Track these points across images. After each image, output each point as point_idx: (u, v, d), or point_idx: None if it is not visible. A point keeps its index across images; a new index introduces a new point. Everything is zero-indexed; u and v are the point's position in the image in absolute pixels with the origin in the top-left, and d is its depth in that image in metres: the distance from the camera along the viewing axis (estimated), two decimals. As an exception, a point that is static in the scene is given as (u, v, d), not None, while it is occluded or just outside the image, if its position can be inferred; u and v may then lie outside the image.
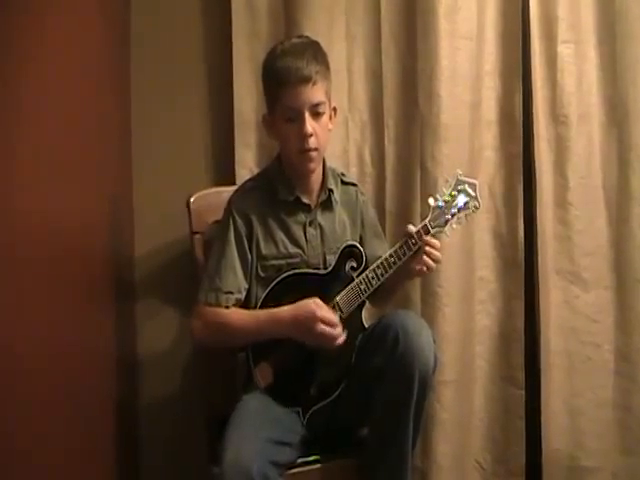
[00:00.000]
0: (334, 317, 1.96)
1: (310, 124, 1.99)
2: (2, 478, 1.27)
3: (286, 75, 1.98)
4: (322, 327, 1.93)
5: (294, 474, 1.95)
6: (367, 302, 2.11)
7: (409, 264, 2.03)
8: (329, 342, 1.96)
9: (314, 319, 1.93)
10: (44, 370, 1.51)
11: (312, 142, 2.01)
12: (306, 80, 1.98)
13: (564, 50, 2.53)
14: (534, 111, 2.53)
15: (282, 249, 2.06)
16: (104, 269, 2.18)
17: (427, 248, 2.01)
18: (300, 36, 2.21)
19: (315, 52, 2.04)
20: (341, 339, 1.97)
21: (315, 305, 1.95)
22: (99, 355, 2.08)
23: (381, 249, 2.14)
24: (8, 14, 1.33)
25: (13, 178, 1.35)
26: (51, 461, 1.53)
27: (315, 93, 2.00)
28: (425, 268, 2.02)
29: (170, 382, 2.52)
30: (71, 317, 1.74)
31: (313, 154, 2.03)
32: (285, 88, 1.99)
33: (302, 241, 2.07)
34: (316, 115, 2.01)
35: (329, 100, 2.06)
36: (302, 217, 2.09)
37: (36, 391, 1.46)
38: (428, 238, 2.02)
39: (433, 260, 2.02)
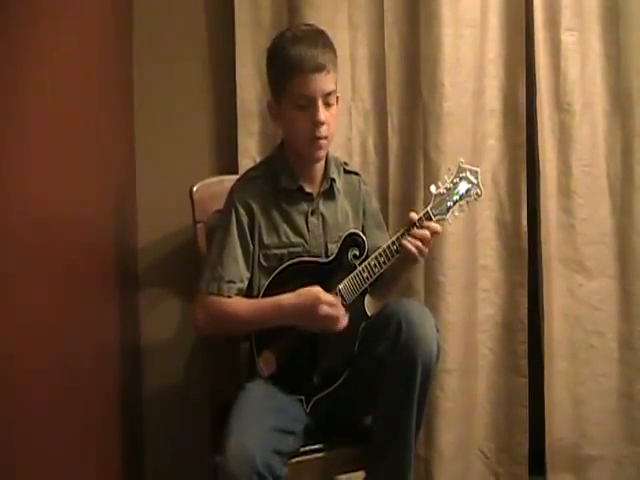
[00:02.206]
0: (335, 299, 1.97)
1: (322, 112, 1.99)
2: (2, 475, 1.27)
3: (300, 62, 1.97)
4: (325, 309, 1.94)
5: (297, 463, 1.95)
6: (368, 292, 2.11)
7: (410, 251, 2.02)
8: (333, 324, 1.96)
9: (317, 303, 1.93)
10: (47, 360, 1.52)
11: (324, 130, 2.01)
12: (320, 68, 1.99)
13: (568, 38, 2.53)
14: (538, 99, 2.52)
15: (284, 238, 2.05)
16: (107, 258, 2.18)
17: (416, 232, 2.01)
18: (307, 24, 2.20)
19: (326, 41, 2.05)
20: (344, 321, 1.97)
21: (317, 290, 1.96)
22: (103, 345, 2.08)
23: (382, 240, 2.13)
24: (6, 12, 1.33)
25: (13, 167, 1.35)
26: (52, 447, 1.54)
27: (328, 82, 2.01)
28: (417, 251, 2.00)
29: (173, 371, 2.52)
30: (74, 307, 1.74)
31: (323, 142, 2.03)
32: (299, 75, 1.98)
33: (304, 230, 2.07)
34: (327, 104, 2.01)
35: (336, 89, 2.07)
36: (304, 206, 2.09)
37: (38, 381, 1.47)
38: (427, 223, 2.02)
39: (422, 243, 2.01)
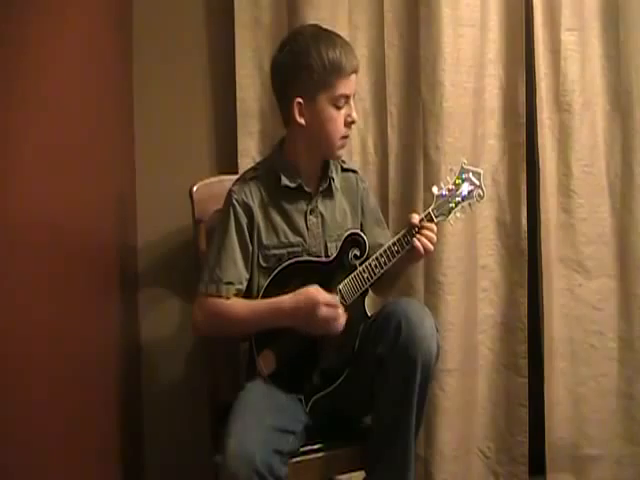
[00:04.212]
0: (334, 298, 1.97)
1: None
2: (2, 474, 1.27)
3: (344, 64, 2.02)
4: (324, 310, 1.94)
5: (297, 462, 1.95)
6: (369, 290, 2.11)
7: (411, 251, 2.02)
8: (332, 324, 1.96)
9: (315, 304, 1.93)
10: (47, 360, 1.52)
11: (351, 129, 2.10)
12: (356, 70, 2.07)
13: (568, 37, 2.52)
14: (537, 99, 2.52)
15: (283, 238, 2.06)
16: (107, 258, 2.18)
17: (424, 231, 2.01)
18: (312, 25, 2.19)
19: None
20: (343, 319, 1.97)
21: (315, 290, 1.96)
22: (103, 344, 2.08)
23: (382, 236, 2.14)
24: (7, 10, 1.33)
25: (12, 167, 1.35)
26: (52, 445, 1.54)
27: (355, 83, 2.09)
28: (422, 250, 2.01)
29: (173, 370, 2.52)
30: (74, 306, 1.74)
31: (347, 140, 2.11)
32: (342, 76, 2.02)
33: (303, 230, 2.07)
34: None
35: None
36: (303, 205, 2.09)
37: (38, 379, 1.47)
38: (423, 224, 2.02)
39: (430, 243, 2.02)
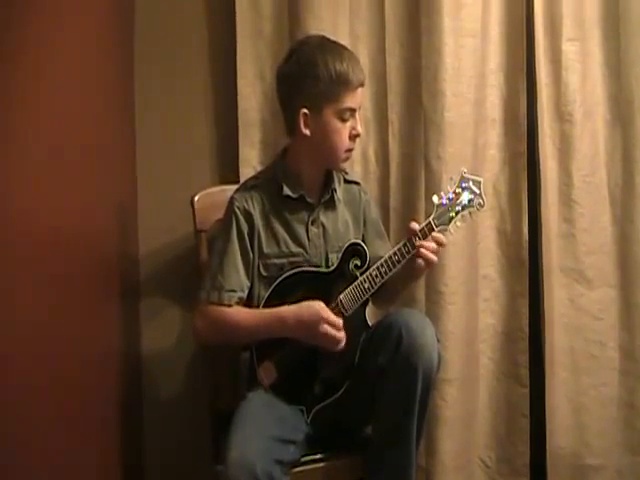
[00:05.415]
0: (338, 320, 1.97)
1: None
2: (3, 475, 1.27)
3: (351, 77, 2.03)
4: (325, 327, 1.94)
5: (298, 472, 1.95)
6: (370, 302, 2.11)
7: (412, 262, 2.02)
8: (330, 344, 1.97)
9: (318, 320, 1.94)
10: (47, 368, 1.52)
11: (356, 141, 2.11)
12: (363, 83, 2.08)
13: (569, 48, 2.52)
14: (538, 109, 2.53)
15: (284, 248, 2.06)
16: (109, 267, 2.18)
17: (423, 242, 2.01)
18: (318, 35, 2.19)
19: None
20: (342, 342, 1.97)
21: (319, 307, 1.96)
22: (103, 353, 2.08)
23: (383, 249, 2.14)
24: (7, 11, 1.33)
25: (14, 177, 1.35)
26: (52, 461, 1.53)
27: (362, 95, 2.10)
28: (424, 262, 2.01)
29: (174, 380, 2.52)
30: (75, 315, 1.74)
31: (351, 153, 2.12)
32: (349, 89, 2.03)
33: (304, 240, 2.08)
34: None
35: None
36: (304, 215, 2.09)
37: (38, 390, 1.47)
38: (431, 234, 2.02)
39: (433, 254, 2.01)
